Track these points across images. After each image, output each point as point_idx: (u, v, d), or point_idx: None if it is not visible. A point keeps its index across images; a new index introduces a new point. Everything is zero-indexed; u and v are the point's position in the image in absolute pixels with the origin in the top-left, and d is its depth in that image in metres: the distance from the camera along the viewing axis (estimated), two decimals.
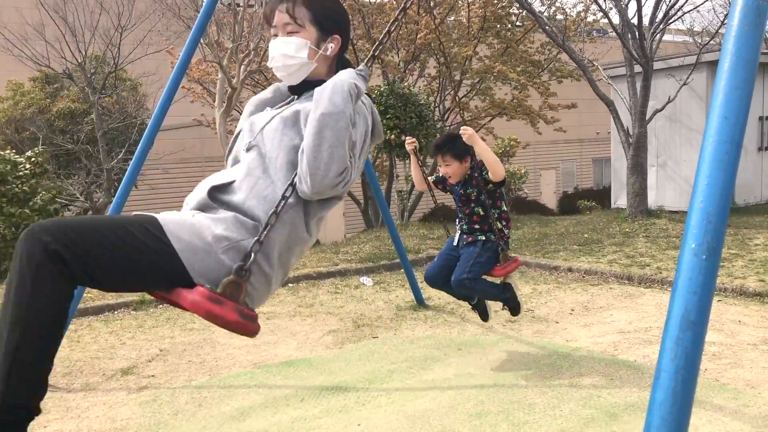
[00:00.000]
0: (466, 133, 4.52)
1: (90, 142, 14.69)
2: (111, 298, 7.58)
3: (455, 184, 4.97)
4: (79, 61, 14.55)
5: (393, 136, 11.74)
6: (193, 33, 5.14)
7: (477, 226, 4.86)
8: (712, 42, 13.19)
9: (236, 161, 2.26)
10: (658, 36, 12.51)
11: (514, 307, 5.16)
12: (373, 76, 15.61)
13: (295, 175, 2.05)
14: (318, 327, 6.40)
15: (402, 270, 7.62)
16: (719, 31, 13.95)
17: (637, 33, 11.98)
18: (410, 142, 5.16)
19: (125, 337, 6.32)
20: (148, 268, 1.90)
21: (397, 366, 5.13)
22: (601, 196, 22.54)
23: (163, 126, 5.55)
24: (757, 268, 7.64)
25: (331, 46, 2.27)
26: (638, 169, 12.16)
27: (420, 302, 6.96)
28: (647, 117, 12.14)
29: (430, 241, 10.66)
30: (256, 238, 1.99)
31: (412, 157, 5.23)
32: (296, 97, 2.31)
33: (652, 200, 13.24)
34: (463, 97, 16.61)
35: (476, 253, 4.76)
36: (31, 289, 1.74)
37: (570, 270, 8.41)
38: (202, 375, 5.16)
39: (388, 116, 11.79)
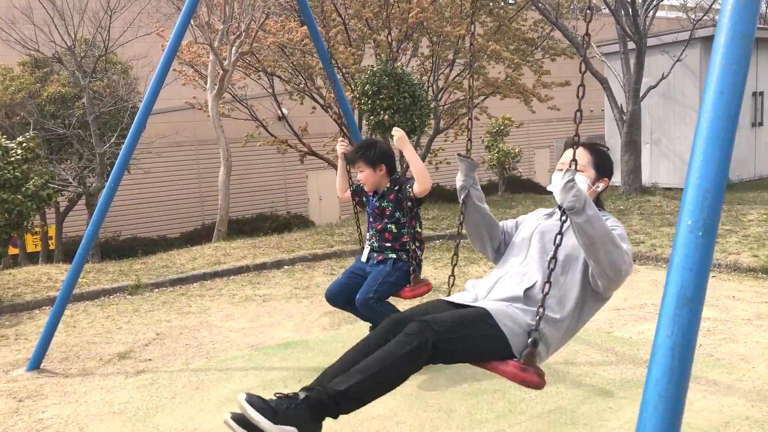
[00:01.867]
0: (397, 134, 4.22)
1: (82, 126, 14.56)
2: (106, 282, 7.57)
3: (371, 196, 4.61)
4: (69, 44, 14.39)
5: (386, 117, 11.68)
6: (182, 14, 5.09)
7: (388, 244, 4.47)
8: (705, 18, 13.13)
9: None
10: (651, 12, 12.44)
11: None
12: (365, 56, 15.54)
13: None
14: (314, 309, 6.41)
15: None
16: (713, 6, 13.89)
17: (630, 9, 11.90)
18: (341, 144, 4.98)
19: (121, 321, 6.31)
20: (485, 348, 2.61)
21: None
22: None
23: (155, 109, 5.51)
24: (750, 243, 7.66)
25: (602, 186, 2.96)
26: (632, 146, 12.15)
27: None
28: (641, 94, 12.11)
29: (425, 221, 10.66)
30: (537, 316, 2.59)
31: (340, 161, 4.95)
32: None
33: (646, 177, 13.25)
34: (456, 76, 16.52)
35: (385, 273, 4.38)
36: (403, 357, 2.48)
37: None
38: (199, 358, 5.17)
39: (381, 96, 11.72)
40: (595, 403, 3.88)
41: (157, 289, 7.50)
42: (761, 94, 13.88)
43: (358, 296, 4.37)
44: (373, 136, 15.43)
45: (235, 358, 5.12)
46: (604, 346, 4.89)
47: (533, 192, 18.46)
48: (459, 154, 3.06)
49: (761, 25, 16.48)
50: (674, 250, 1.69)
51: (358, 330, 5.64)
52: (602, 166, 2.96)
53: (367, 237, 4.64)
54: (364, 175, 4.51)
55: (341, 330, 5.70)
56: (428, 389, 4.23)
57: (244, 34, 12.05)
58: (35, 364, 5.05)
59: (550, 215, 3.05)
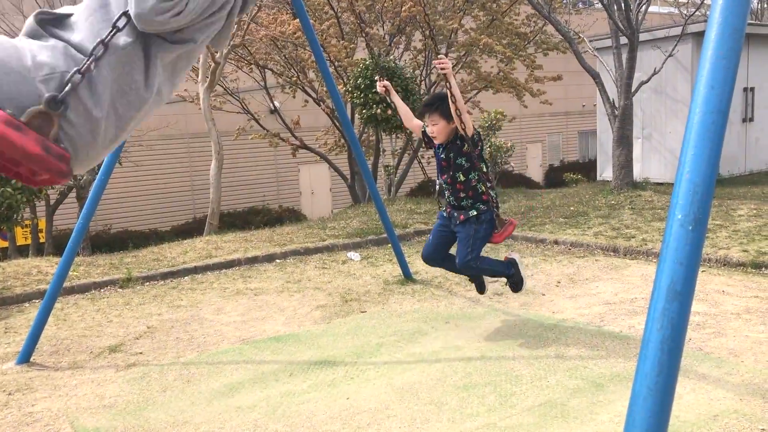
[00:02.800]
0: (443, 63, 4.36)
1: None
2: (97, 275, 7.54)
3: (437, 148, 4.82)
4: None
5: (379, 110, 11.67)
6: None
7: (462, 195, 4.71)
8: (697, 13, 13.16)
9: None
10: (643, 7, 12.46)
11: (516, 282, 5.07)
12: (358, 49, 15.50)
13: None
14: (306, 302, 6.41)
15: (389, 245, 7.63)
16: (704, 2, 13.92)
17: (622, 4, 11.92)
18: (381, 85, 5.13)
19: (112, 314, 6.29)
20: None
21: (385, 340, 5.15)
22: (587, 168, 22.61)
23: None
24: (740, 238, 7.71)
25: None
26: (624, 141, 12.18)
27: (407, 276, 6.98)
28: (633, 89, 12.13)
29: (417, 215, 10.67)
30: (76, 68, 1.77)
31: (393, 96, 5.11)
32: None
33: (638, 172, 13.29)
34: None
35: (473, 231, 4.65)
36: None
37: (556, 242, 8.46)
38: (190, 351, 5.16)
39: (373, 90, 11.70)
40: (585, 397, 3.90)
41: (148, 283, 7.48)
42: (752, 89, 13.94)
43: (458, 260, 4.68)
44: (366, 130, 15.44)
45: (226, 352, 5.11)
46: (595, 340, 4.91)
47: (525, 186, 18.51)
48: None
49: (752, 21, 16.54)
50: (664, 244, 1.70)
51: (350, 323, 5.65)
52: None
53: (444, 193, 4.86)
54: (438, 128, 4.66)
55: (333, 323, 5.71)
56: (419, 383, 4.24)
57: (235, 26, 11.98)
58: (25, 358, 5.03)
59: None
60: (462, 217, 4.71)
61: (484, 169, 4.74)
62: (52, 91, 1.74)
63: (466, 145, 4.63)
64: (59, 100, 1.73)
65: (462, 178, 4.69)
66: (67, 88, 1.75)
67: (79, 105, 1.79)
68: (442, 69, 4.41)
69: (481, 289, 5.35)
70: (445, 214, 4.91)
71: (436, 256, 4.95)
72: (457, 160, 4.67)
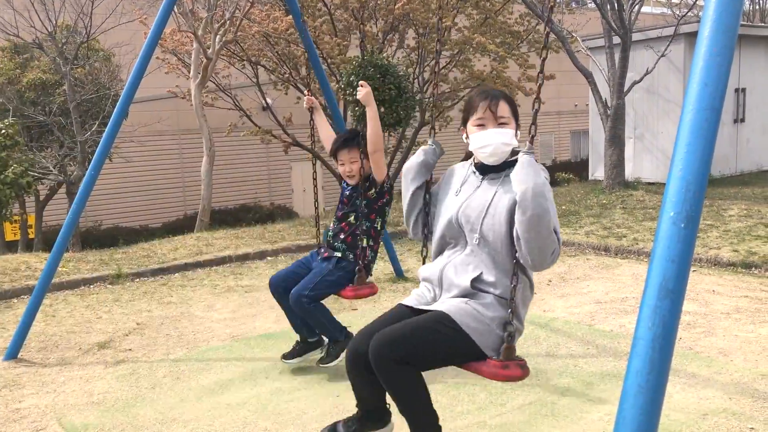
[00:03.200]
0: (364, 89, 3.91)
1: (62, 114, 14.38)
2: (86, 271, 7.49)
3: (344, 182, 4.31)
4: (50, 30, 14.20)
5: None
6: (165, 2, 5.02)
7: (342, 236, 4.20)
8: (690, 13, 13.20)
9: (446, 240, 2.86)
10: (636, 7, 12.49)
11: (331, 354, 4.34)
12: (350, 46, 15.45)
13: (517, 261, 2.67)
14: None
15: (381, 243, 7.60)
16: (697, 2, 13.97)
17: (615, 4, 11.94)
18: (309, 98, 4.67)
19: (101, 311, 6.25)
20: (450, 351, 2.66)
21: None
22: (579, 168, 22.65)
23: (138, 98, 5.45)
24: (731, 238, 7.74)
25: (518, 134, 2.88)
26: (616, 141, 12.21)
27: (399, 274, 6.97)
28: (625, 89, 12.16)
29: None
30: (509, 310, 2.64)
31: (316, 114, 4.67)
32: (482, 175, 2.83)
33: (630, 172, 13.32)
34: (442, 68, 16.50)
35: (327, 271, 4.13)
36: (405, 385, 2.73)
37: None
38: (180, 348, 5.13)
39: None
40: (575, 395, 3.90)
41: (138, 279, 7.44)
42: (743, 90, 13.99)
43: (292, 291, 4.12)
44: (359, 127, 15.40)
45: (216, 349, 5.09)
46: (585, 339, 4.91)
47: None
48: (434, 141, 3.12)
49: (744, 23, 16.61)
50: (656, 241, 1.69)
51: (342, 320, 5.62)
52: (516, 114, 2.95)
53: (330, 225, 4.39)
54: (356, 166, 4.12)
55: None
56: None
57: (228, 22, 11.94)
58: (13, 354, 4.99)
59: (463, 182, 2.87)
60: (326, 254, 4.23)
61: (377, 226, 4.22)
62: (503, 330, 2.66)
63: (372, 191, 4.13)
64: (512, 333, 2.67)
65: (352, 220, 4.19)
66: (513, 324, 2.69)
67: (516, 329, 2.76)
68: (359, 94, 3.96)
69: (291, 354, 4.50)
70: (314, 251, 4.43)
71: (279, 285, 4.32)
72: (357, 200, 4.15)
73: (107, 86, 14.75)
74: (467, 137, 2.86)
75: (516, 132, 2.87)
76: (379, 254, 8.05)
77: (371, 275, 4.31)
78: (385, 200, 4.23)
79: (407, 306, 2.82)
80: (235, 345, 5.16)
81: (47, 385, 4.44)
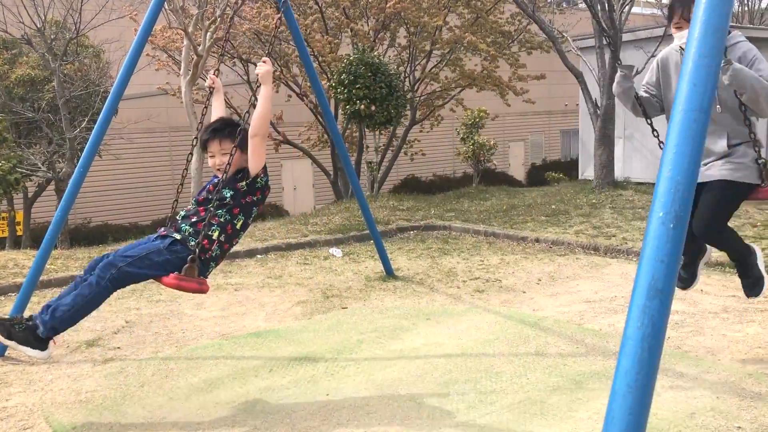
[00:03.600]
0: (265, 66, 3.69)
1: (51, 110, 14.29)
2: (75, 269, 7.45)
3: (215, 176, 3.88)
4: (38, 26, 14.10)
5: (362, 106, 11.64)
6: None
7: (194, 219, 3.69)
8: None
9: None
10: (627, 8, 12.54)
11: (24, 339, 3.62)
12: (342, 44, 15.44)
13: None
14: (287, 298, 6.38)
15: (371, 241, 7.61)
16: None
17: (606, 4, 11.99)
18: (211, 78, 4.27)
19: None
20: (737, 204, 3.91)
21: (365, 336, 5.14)
22: (569, 167, 22.74)
23: (128, 95, 5.41)
24: None
25: None
26: (605, 141, 12.26)
27: (389, 273, 6.97)
28: None
29: (400, 212, 10.66)
30: (756, 148, 3.98)
31: (215, 96, 4.27)
32: None
33: (619, 172, 13.38)
34: (433, 67, 16.52)
35: (155, 249, 3.59)
36: None
37: (537, 240, 8.49)
38: (168, 347, 5.11)
39: (357, 86, 11.68)
40: (564, 394, 3.92)
41: None
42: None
43: (109, 256, 3.60)
44: (350, 126, 15.40)
45: (205, 347, 5.07)
46: (575, 338, 4.93)
47: (507, 184, 18.58)
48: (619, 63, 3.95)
49: (733, 24, 16.69)
50: (645, 241, 1.70)
51: (331, 319, 5.63)
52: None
53: (185, 208, 3.91)
54: (227, 159, 3.64)
55: (313, 319, 5.68)
56: (399, 379, 4.24)
57: (219, 19, 11.89)
58: (0, 352, 4.96)
59: (676, 65, 4.24)
60: (164, 232, 3.73)
61: (237, 226, 3.75)
62: None
63: (244, 183, 3.72)
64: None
65: (211, 208, 3.65)
66: None
67: None
68: (258, 69, 3.75)
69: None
70: (162, 229, 3.84)
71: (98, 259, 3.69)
72: (223, 189, 3.70)
73: (97, 83, 14.67)
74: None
75: None
76: (369, 253, 8.08)
77: (206, 276, 3.75)
78: (255, 198, 3.78)
79: None
80: (224, 343, 5.14)
81: (34, 384, 4.41)
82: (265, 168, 3.79)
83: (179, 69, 12.87)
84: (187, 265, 3.55)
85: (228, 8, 11.97)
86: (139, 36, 4.98)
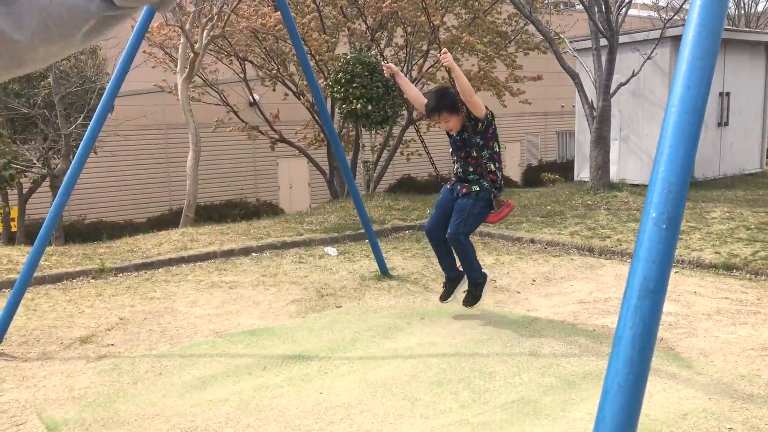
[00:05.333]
0: (445, 56, 4.65)
1: (47, 106, 14.24)
2: (69, 265, 7.44)
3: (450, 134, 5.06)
4: None
5: (359, 105, 11.63)
6: None
7: (471, 169, 4.92)
8: (676, 17, 13.31)
9: None
10: (624, 10, 12.57)
11: (475, 296, 5.28)
12: (339, 44, 15.43)
13: None
14: (281, 296, 6.38)
15: (366, 240, 7.61)
16: (683, 6, 14.08)
17: (603, 6, 12.01)
18: (388, 67, 5.21)
19: (84, 305, 6.21)
20: None
21: (360, 335, 5.14)
22: (565, 169, 22.77)
23: (124, 91, 5.41)
24: (713, 240, 7.81)
25: None
26: (601, 142, 12.28)
27: (384, 272, 6.97)
28: (611, 90, 12.24)
29: (395, 211, 10.66)
30: None
31: (399, 79, 5.25)
32: None
33: (614, 173, 13.41)
34: (430, 67, 16.52)
35: (470, 205, 4.84)
36: None
37: (532, 241, 8.50)
38: (162, 344, 5.11)
39: (354, 85, 11.67)
40: (557, 394, 3.93)
41: (121, 274, 7.39)
42: (727, 94, 14.13)
43: (449, 230, 4.84)
44: (346, 125, 15.39)
45: (199, 345, 5.06)
46: (568, 339, 4.94)
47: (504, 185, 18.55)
48: None
49: (729, 27, 16.76)
50: (638, 242, 1.71)
51: (325, 318, 5.63)
52: None
53: (453, 167, 5.08)
54: (451, 123, 4.89)
55: (308, 318, 5.68)
56: (393, 378, 4.24)
57: (216, 17, 11.88)
58: None
59: None
60: (464, 190, 4.93)
61: (497, 149, 4.95)
62: None
63: (480, 125, 4.84)
64: None
65: (474, 154, 4.90)
66: None
67: None
68: (445, 61, 4.67)
69: (446, 295, 5.43)
70: (449, 186, 5.12)
71: (436, 231, 5.10)
72: (471, 139, 4.88)
73: (93, 79, 14.63)
74: None
75: None
76: (364, 252, 8.09)
77: (502, 191, 5.04)
78: (493, 127, 4.92)
79: None
80: (218, 341, 5.14)
81: (28, 380, 4.40)
82: (486, 110, 4.87)
83: (176, 66, 12.85)
84: (494, 201, 4.90)
85: (225, 6, 11.96)
86: (135, 33, 4.98)
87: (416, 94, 5.30)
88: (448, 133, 5.10)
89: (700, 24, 1.77)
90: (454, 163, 5.09)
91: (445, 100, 4.88)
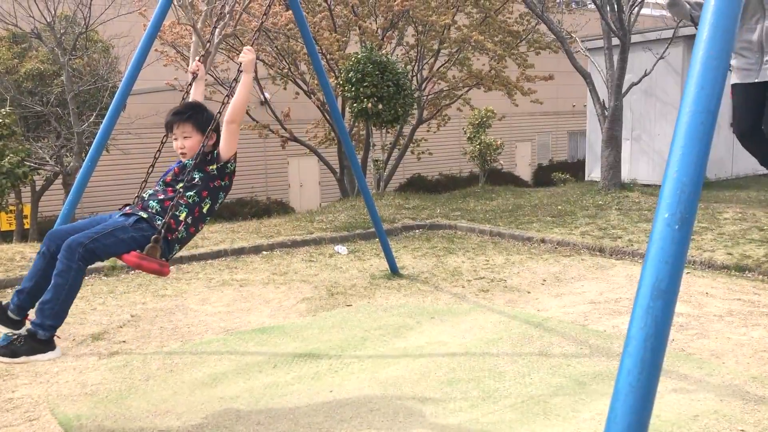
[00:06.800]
0: (249, 54, 3.76)
1: (60, 104, 14.34)
2: None
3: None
4: (48, 20, 14.15)
5: (370, 104, 11.64)
6: None
7: (161, 197, 3.67)
8: None
9: None
10: (636, 9, 12.51)
11: (16, 352, 3.41)
12: (350, 42, 15.44)
13: None
14: (292, 294, 6.39)
15: (377, 239, 7.62)
16: None
17: (615, 5, 11.96)
18: (195, 65, 4.29)
19: (96, 302, 6.25)
20: None
21: (370, 333, 5.15)
22: (576, 168, 22.70)
23: (136, 90, 5.44)
24: (725, 241, 7.77)
25: None
26: (613, 142, 12.24)
27: (394, 271, 6.98)
28: (623, 90, 12.19)
29: (406, 210, 10.67)
30: None
31: (195, 83, 4.34)
32: None
33: (626, 173, 13.36)
34: (440, 66, 16.51)
35: (120, 226, 3.49)
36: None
37: (543, 241, 8.48)
38: (173, 341, 5.14)
39: (365, 84, 11.68)
40: (567, 394, 3.92)
41: (133, 271, 7.43)
42: None
43: (69, 239, 3.38)
44: (357, 124, 15.41)
45: (210, 342, 5.09)
46: (579, 339, 4.93)
47: (513, 185, 18.55)
48: None
49: None
50: (650, 242, 1.70)
51: (336, 316, 5.64)
52: None
53: (149, 189, 3.85)
54: (190, 143, 3.71)
55: (318, 316, 5.70)
56: (403, 377, 4.25)
57: (228, 16, 11.91)
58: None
59: None
60: (129, 210, 3.66)
61: (204, 210, 3.73)
62: None
63: (214, 166, 3.73)
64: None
65: (180, 188, 3.66)
66: None
67: None
68: (242, 56, 3.78)
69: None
70: (127, 207, 3.77)
71: (59, 235, 3.50)
72: (194, 171, 3.70)
73: (105, 77, 14.71)
74: None
75: None
76: (374, 251, 8.09)
77: (169, 259, 3.66)
78: (223, 183, 3.78)
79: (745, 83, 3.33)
80: (229, 339, 5.16)
81: (40, 376, 4.44)
82: (235, 155, 3.77)
83: (187, 65, 12.90)
84: (150, 244, 3.47)
85: (237, 5, 11.99)
86: (148, 31, 5.00)
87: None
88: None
89: (713, 24, 1.76)
90: (153, 187, 3.85)
91: (197, 113, 3.77)
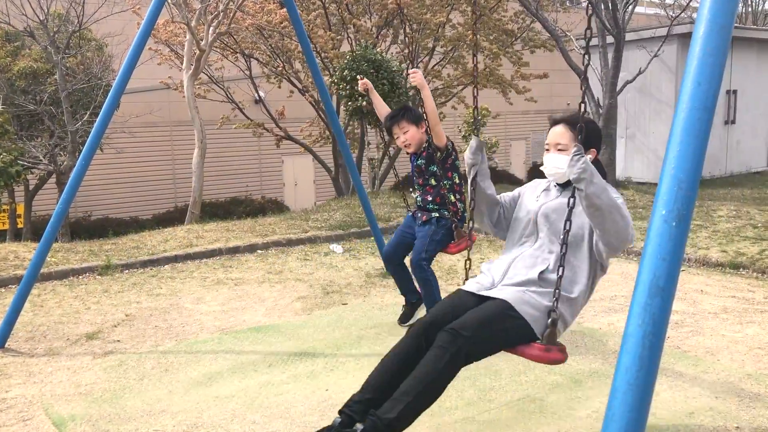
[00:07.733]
0: (416, 75, 4.39)
1: (53, 103, 14.26)
2: (75, 262, 7.46)
3: (412, 156, 4.79)
4: (41, 18, 14.07)
5: (364, 103, 11.62)
6: None
7: (430, 198, 4.69)
8: (683, 15, 13.26)
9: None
10: (630, 7, 12.53)
11: (409, 314, 5.07)
12: (344, 41, 15.40)
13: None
14: (287, 293, 6.38)
15: (372, 238, 7.61)
16: (690, 3, 14.02)
17: (609, 4, 11.97)
18: (363, 83, 5.00)
19: (90, 301, 6.22)
20: (511, 338, 2.83)
21: (365, 332, 5.14)
22: None
23: (130, 88, 5.41)
24: (720, 239, 7.78)
25: (590, 157, 2.85)
26: (607, 140, 12.25)
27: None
28: (618, 88, 12.20)
29: (401, 209, 10.66)
30: (555, 297, 2.78)
31: (373, 95, 5.03)
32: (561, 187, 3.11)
33: (620, 171, 13.39)
34: (435, 65, 16.50)
35: (431, 232, 4.63)
36: (442, 370, 2.75)
37: None
38: (168, 340, 5.12)
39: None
40: (563, 393, 3.92)
41: (127, 270, 7.40)
42: (734, 92, 14.08)
43: (411, 258, 4.65)
44: (351, 122, 15.38)
45: (205, 341, 5.07)
46: (574, 337, 4.93)
47: (509, 183, 18.55)
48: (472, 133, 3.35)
49: (737, 24, 16.68)
50: (648, 239, 1.70)
51: (331, 315, 5.63)
52: (586, 139, 2.78)
53: (414, 196, 4.90)
54: (409, 135, 4.61)
55: (313, 315, 5.69)
56: None
57: (222, 14, 11.88)
58: (0, 344, 4.96)
59: (548, 191, 3.15)
60: (424, 218, 4.70)
61: (456, 180, 4.69)
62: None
63: (438, 154, 4.61)
64: (555, 321, 2.90)
65: (432, 182, 4.69)
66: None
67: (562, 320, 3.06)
68: (414, 80, 4.41)
69: (405, 318, 5.09)
70: (410, 215, 4.94)
71: (393, 257, 4.96)
72: (429, 167, 4.67)
73: (99, 76, 14.64)
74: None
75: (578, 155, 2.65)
76: (369, 249, 8.08)
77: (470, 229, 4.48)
78: (453, 157, 4.69)
79: (467, 292, 3.03)
80: (223, 338, 5.15)
81: (34, 376, 4.42)
82: (447, 140, 4.65)
83: (182, 63, 12.86)
84: (454, 232, 4.64)
85: (231, 3, 11.96)
86: (141, 30, 4.98)
87: (387, 112, 4.93)
88: (409, 157, 4.84)
89: (710, 20, 1.76)
90: (414, 191, 4.89)
91: (408, 110, 4.67)
